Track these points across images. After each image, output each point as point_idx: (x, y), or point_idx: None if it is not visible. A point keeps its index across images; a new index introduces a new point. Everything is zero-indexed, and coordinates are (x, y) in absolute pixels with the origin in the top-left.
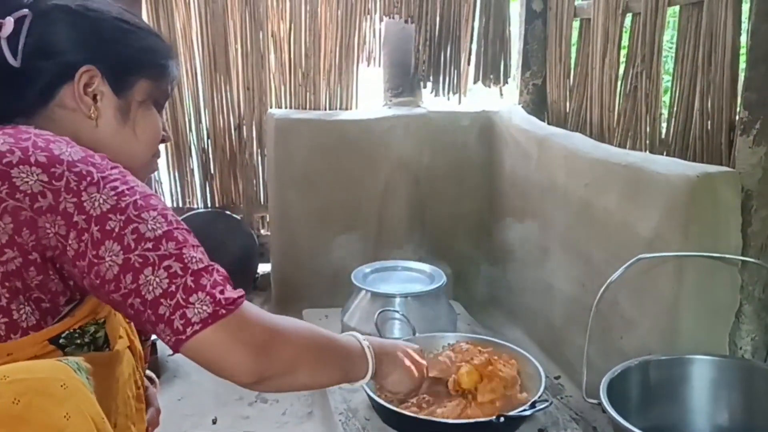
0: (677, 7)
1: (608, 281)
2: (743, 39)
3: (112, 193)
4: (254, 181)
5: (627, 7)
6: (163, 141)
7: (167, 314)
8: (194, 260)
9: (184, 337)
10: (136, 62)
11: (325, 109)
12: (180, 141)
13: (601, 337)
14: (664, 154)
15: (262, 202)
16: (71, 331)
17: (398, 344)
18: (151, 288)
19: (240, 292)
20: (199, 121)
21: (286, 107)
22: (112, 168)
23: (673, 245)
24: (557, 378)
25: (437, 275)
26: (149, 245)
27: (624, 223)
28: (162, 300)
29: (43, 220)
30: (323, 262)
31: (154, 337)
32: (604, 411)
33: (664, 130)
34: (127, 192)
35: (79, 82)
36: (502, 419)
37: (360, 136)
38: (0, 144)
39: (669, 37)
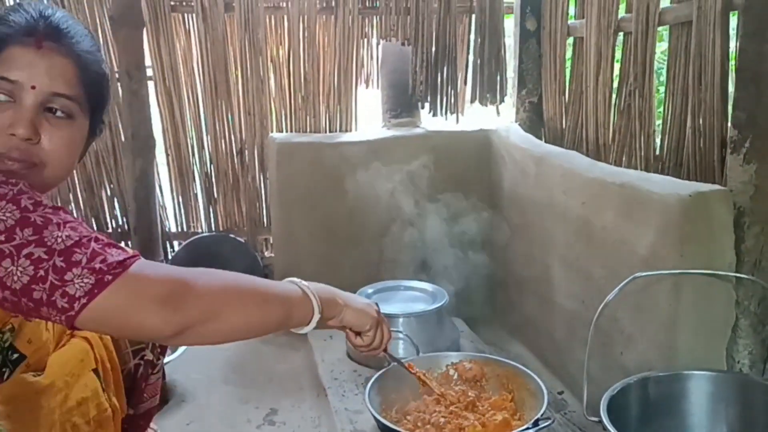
0: (668, 26)
1: (605, 300)
2: (731, 58)
3: None
4: (257, 204)
5: (618, 26)
6: (12, 133)
7: (45, 297)
8: (59, 240)
9: (73, 312)
10: None
11: (326, 132)
12: (183, 166)
13: (602, 352)
14: (659, 170)
15: (266, 225)
16: None
17: (341, 292)
18: (15, 278)
19: (129, 253)
20: (201, 147)
21: (286, 131)
22: None
23: (668, 263)
24: (560, 393)
25: (439, 294)
26: (1, 237)
27: (621, 240)
28: (34, 286)
29: None
30: (328, 282)
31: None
32: (605, 429)
33: (658, 147)
34: None
35: None
36: None
37: (360, 157)
38: None
39: (661, 54)
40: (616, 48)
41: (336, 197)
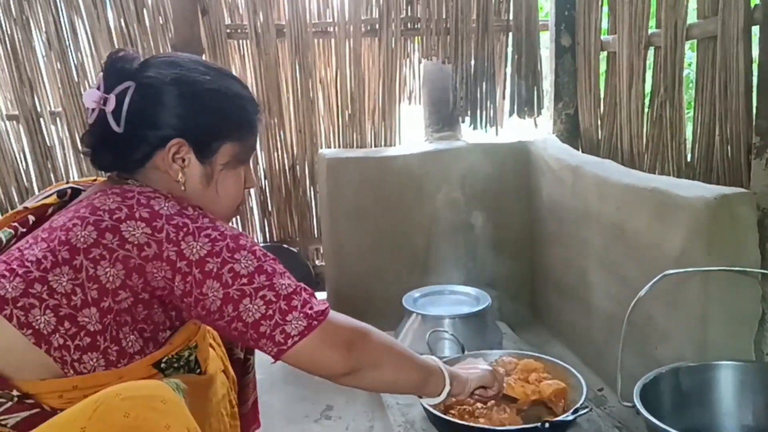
0: (696, 41)
1: (637, 296)
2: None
3: (207, 240)
4: (308, 216)
5: (649, 41)
6: (247, 188)
7: (268, 332)
8: (284, 287)
9: (285, 347)
10: (219, 130)
11: (371, 147)
12: None
13: (638, 348)
14: (691, 176)
15: (316, 235)
16: (170, 356)
17: (459, 366)
18: (250, 314)
19: (326, 303)
20: (256, 163)
21: (335, 147)
22: (203, 217)
23: (697, 261)
24: (600, 390)
25: (483, 297)
26: (244, 280)
27: (653, 243)
28: (262, 322)
29: (150, 266)
30: (375, 289)
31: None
32: (638, 413)
33: (689, 155)
34: (219, 237)
35: (168, 152)
36: (547, 425)
37: (405, 170)
38: (110, 203)
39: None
40: (648, 62)
41: (382, 208)
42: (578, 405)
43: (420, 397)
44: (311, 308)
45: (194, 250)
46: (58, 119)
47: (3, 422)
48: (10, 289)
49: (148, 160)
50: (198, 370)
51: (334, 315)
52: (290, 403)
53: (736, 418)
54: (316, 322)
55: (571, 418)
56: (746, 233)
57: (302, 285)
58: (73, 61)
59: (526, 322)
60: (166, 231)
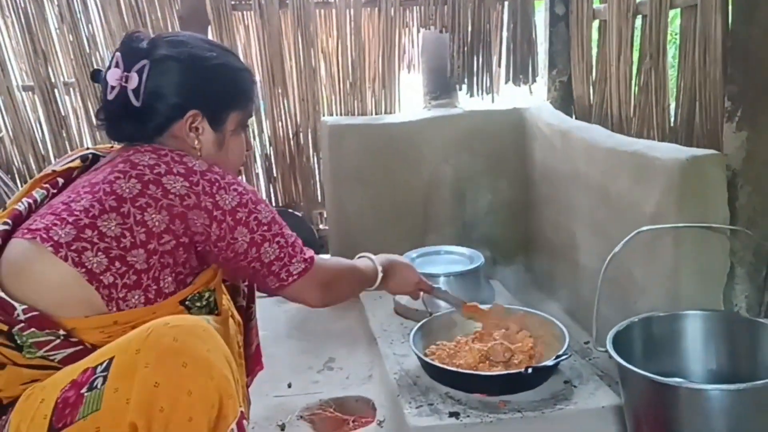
0: (679, 9)
1: (612, 252)
2: None
3: (235, 193)
4: (312, 182)
5: (636, 9)
6: (248, 150)
7: (277, 270)
8: (289, 236)
9: (286, 283)
10: (228, 101)
11: (372, 114)
12: None
13: (619, 303)
14: (674, 141)
15: (320, 200)
16: (193, 295)
17: (398, 260)
18: (267, 255)
19: (312, 251)
20: (261, 131)
21: (337, 114)
22: (228, 175)
23: (670, 219)
24: (586, 343)
25: (476, 257)
26: (265, 228)
27: (633, 203)
28: (275, 262)
29: (191, 213)
30: (375, 250)
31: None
32: (610, 357)
33: (672, 120)
34: (243, 192)
35: (186, 122)
36: (530, 370)
37: (404, 136)
38: (148, 159)
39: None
40: (636, 30)
41: (383, 173)
42: (560, 352)
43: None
44: (307, 254)
45: (227, 202)
46: (71, 89)
47: (51, 357)
48: (63, 235)
49: (165, 130)
50: (216, 311)
51: (318, 260)
52: (294, 355)
53: (702, 364)
54: (310, 267)
55: (552, 363)
56: (716, 192)
57: (296, 235)
58: (85, 33)
59: (520, 282)
60: (202, 185)
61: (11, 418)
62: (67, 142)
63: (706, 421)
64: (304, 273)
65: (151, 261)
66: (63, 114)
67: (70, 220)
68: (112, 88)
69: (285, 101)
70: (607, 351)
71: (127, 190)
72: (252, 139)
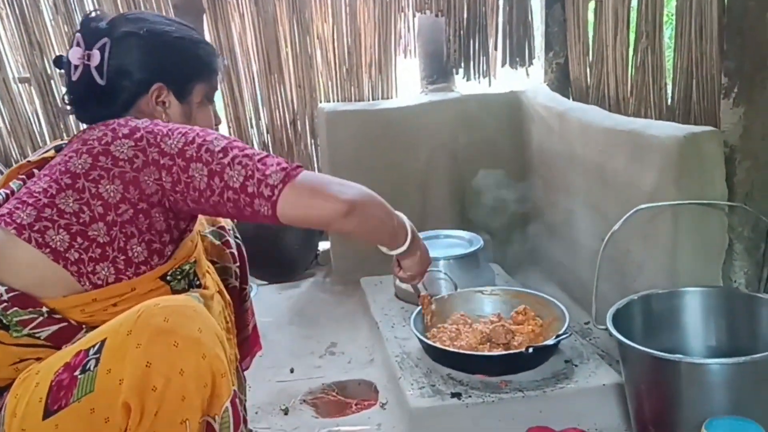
0: None
1: (611, 230)
2: None
3: (179, 135)
4: (310, 169)
5: None
6: (216, 125)
7: (255, 190)
8: (256, 153)
9: (275, 197)
10: (192, 73)
11: (369, 100)
12: (243, 137)
13: (617, 281)
14: (671, 120)
15: None
16: (174, 270)
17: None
18: (234, 179)
19: (299, 164)
20: (258, 118)
21: (334, 101)
22: (173, 124)
23: (669, 196)
24: (586, 323)
25: (475, 240)
26: (221, 155)
27: (631, 182)
28: (246, 182)
29: (141, 175)
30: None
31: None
32: (610, 334)
33: (669, 99)
34: (189, 131)
35: (152, 96)
36: (530, 350)
37: (401, 121)
38: (96, 132)
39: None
40: (632, 10)
41: (381, 159)
42: (560, 332)
43: (389, 249)
44: (286, 164)
45: (172, 146)
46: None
47: (36, 335)
48: (24, 217)
49: (131, 105)
50: (197, 282)
51: (310, 172)
52: (296, 341)
53: (702, 340)
54: (294, 171)
55: (552, 343)
56: (714, 169)
57: (275, 155)
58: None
59: (519, 264)
60: (146, 138)
61: (6, 402)
62: (64, 134)
63: (707, 396)
64: (288, 179)
65: (113, 233)
66: (60, 106)
67: (30, 201)
68: (75, 67)
69: (281, 89)
70: (606, 329)
71: (80, 166)
72: (218, 114)
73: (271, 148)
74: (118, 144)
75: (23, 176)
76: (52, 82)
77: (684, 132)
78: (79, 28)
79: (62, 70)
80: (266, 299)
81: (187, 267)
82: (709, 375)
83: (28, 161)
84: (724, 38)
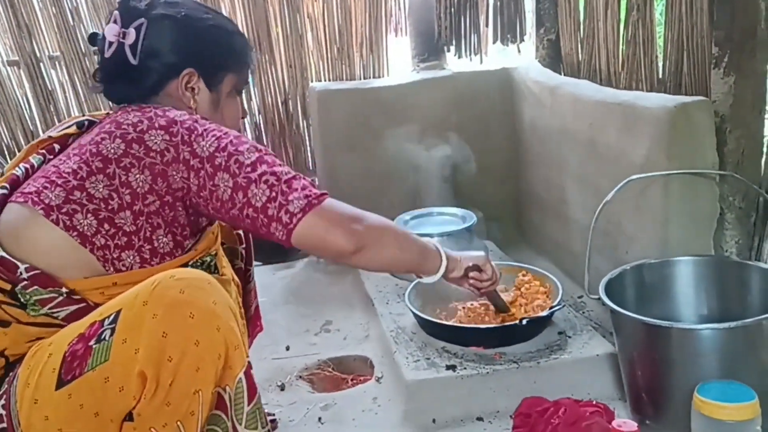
0: None
1: (604, 201)
2: None
3: (213, 138)
4: (302, 149)
5: None
6: (242, 118)
7: (275, 214)
8: (284, 173)
9: (292, 225)
10: (224, 62)
11: (360, 79)
12: None
13: (609, 254)
14: (662, 92)
15: (311, 167)
16: (195, 261)
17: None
18: (257, 198)
19: (324, 190)
20: (249, 99)
21: (325, 80)
22: (210, 123)
23: (660, 167)
24: (580, 297)
25: (468, 217)
26: (249, 169)
27: (621, 153)
28: (268, 204)
29: (170, 169)
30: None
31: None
32: (603, 303)
33: (660, 71)
34: (223, 136)
35: (182, 81)
36: (524, 322)
37: (393, 100)
38: (132, 117)
39: None
40: None
41: (373, 138)
42: (554, 304)
43: (419, 277)
44: (310, 191)
45: (204, 148)
46: (57, 63)
47: (54, 315)
48: (53, 198)
49: (161, 88)
50: (217, 273)
51: (333, 200)
52: (292, 320)
53: (694, 308)
54: (315, 201)
55: (546, 314)
56: (704, 138)
57: (302, 175)
58: (68, 5)
59: (512, 241)
60: (181, 134)
61: (19, 372)
62: (55, 117)
63: (699, 361)
64: (309, 209)
65: (139, 222)
66: (50, 88)
67: (59, 182)
68: (110, 44)
69: (272, 68)
70: (599, 298)
71: (112, 151)
72: (245, 107)
73: (263, 129)
74: (152, 134)
75: (43, 150)
76: (41, 65)
77: (675, 102)
78: (117, 6)
79: (95, 47)
80: (261, 280)
81: (208, 259)
82: (701, 340)
83: (49, 136)
84: (714, 8)
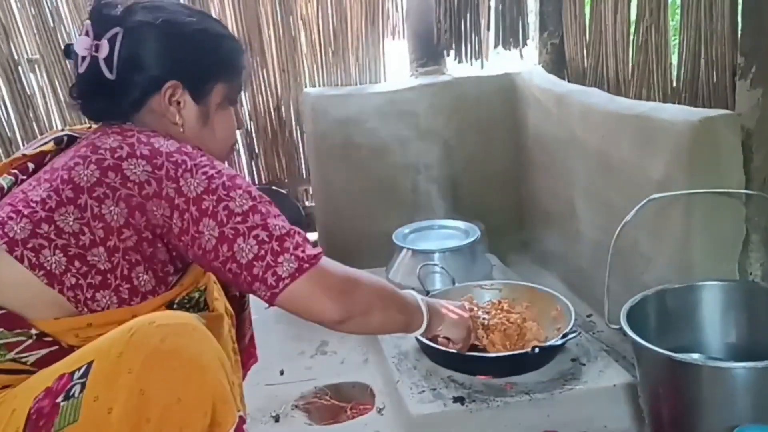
0: None
1: (623, 221)
2: None
3: (204, 177)
4: (296, 157)
5: None
6: (238, 129)
7: (260, 274)
8: (277, 228)
9: (278, 290)
10: (211, 71)
11: (356, 84)
12: None
13: (624, 275)
14: (676, 102)
15: (305, 176)
16: (181, 297)
17: (443, 302)
18: (244, 254)
19: (318, 249)
20: (241, 105)
21: (319, 85)
22: (201, 156)
23: (681, 185)
24: (589, 316)
25: (471, 231)
26: (239, 219)
27: (637, 169)
28: (254, 263)
29: (150, 204)
30: (365, 226)
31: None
32: (625, 335)
33: (674, 80)
34: (215, 175)
35: (164, 95)
36: (537, 350)
37: (391, 106)
38: (111, 141)
39: None
40: None
41: (369, 146)
42: (567, 330)
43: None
44: (303, 251)
45: (192, 187)
46: (36, 67)
47: (23, 360)
48: (18, 231)
49: (142, 105)
50: (207, 310)
51: (326, 261)
52: (285, 341)
53: (720, 336)
54: (307, 265)
55: (560, 343)
56: (730, 155)
57: (296, 228)
58: (48, 6)
59: (515, 253)
60: (166, 168)
61: None
62: (34, 123)
63: (731, 400)
64: (298, 274)
65: (114, 259)
66: (29, 93)
67: (26, 212)
68: (83, 59)
69: (264, 73)
70: (620, 328)
71: (85, 178)
72: (240, 116)
73: (255, 136)
74: (132, 163)
75: (15, 170)
76: (19, 68)
77: (698, 116)
78: (89, 14)
79: (71, 60)
80: (252, 296)
81: (196, 294)
82: (734, 379)
83: (23, 154)
84: (737, 15)
